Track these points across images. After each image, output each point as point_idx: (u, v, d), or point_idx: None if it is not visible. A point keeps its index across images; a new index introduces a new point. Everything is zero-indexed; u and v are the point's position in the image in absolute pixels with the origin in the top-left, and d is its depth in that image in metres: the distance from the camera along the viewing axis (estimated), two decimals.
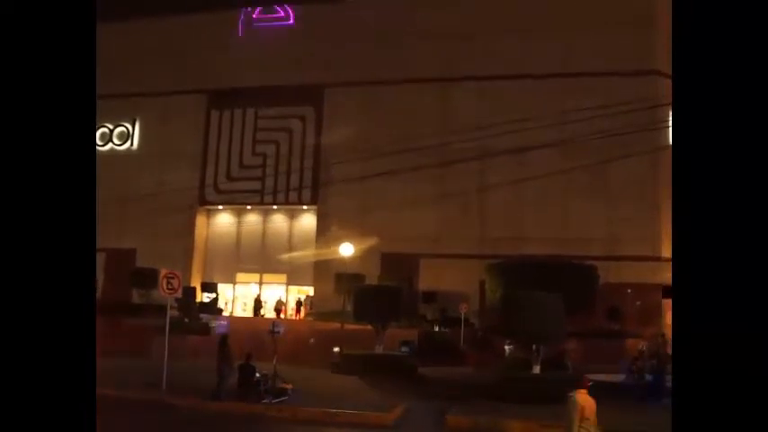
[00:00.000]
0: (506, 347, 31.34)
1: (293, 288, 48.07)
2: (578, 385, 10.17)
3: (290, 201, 47.31)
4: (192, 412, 17.78)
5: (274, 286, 48.44)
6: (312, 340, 31.35)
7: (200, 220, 48.90)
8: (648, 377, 22.30)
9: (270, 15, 48.19)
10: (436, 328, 37.51)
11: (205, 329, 34.26)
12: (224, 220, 49.80)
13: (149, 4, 47.29)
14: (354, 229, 41.48)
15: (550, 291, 21.19)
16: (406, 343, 31.46)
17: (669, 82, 33.60)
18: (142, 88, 47.31)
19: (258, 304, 44.86)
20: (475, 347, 33.04)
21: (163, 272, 20.96)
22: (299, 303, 45.52)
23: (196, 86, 47.93)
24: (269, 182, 46.79)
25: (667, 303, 34.31)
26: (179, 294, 22.61)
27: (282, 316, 43.28)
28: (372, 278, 37.89)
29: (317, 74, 45.36)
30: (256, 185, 47.22)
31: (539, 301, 20.90)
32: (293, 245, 48.27)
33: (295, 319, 43.02)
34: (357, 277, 35.22)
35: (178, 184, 44.55)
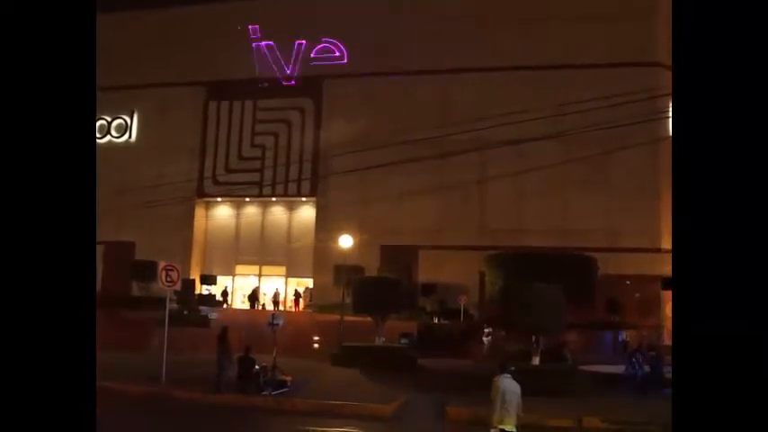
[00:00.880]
0: (484, 339, 31.45)
1: (292, 280, 48.09)
2: (503, 370, 10.64)
3: (289, 193, 47.29)
4: (191, 404, 17.79)
5: (274, 278, 48.45)
6: (316, 338, 31.31)
7: (199, 213, 48.87)
8: (647, 368, 22.36)
9: (325, 55, 47.13)
10: (436, 320, 37.55)
11: (204, 322, 34.31)
12: (223, 212, 49.76)
13: None
14: (353, 221, 41.48)
15: (550, 282, 21.18)
16: (405, 335, 31.50)
17: (669, 73, 33.71)
18: (140, 80, 47.16)
19: (254, 297, 44.85)
20: (473, 339, 33.11)
21: (162, 264, 20.93)
22: (297, 295, 45.52)
23: (194, 78, 47.78)
24: (268, 174, 46.73)
25: (666, 295, 34.37)
26: (178, 287, 22.57)
27: (281, 308, 43.30)
28: (372, 270, 37.88)
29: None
30: (255, 177, 47.18)
31: (538, 293, 20.89)
32: (292, 237, 48.31)
33: (294, 311, 43.01)
34: (356, 269, 35.19)
35: (177, 176, 44.46)
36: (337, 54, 46.17)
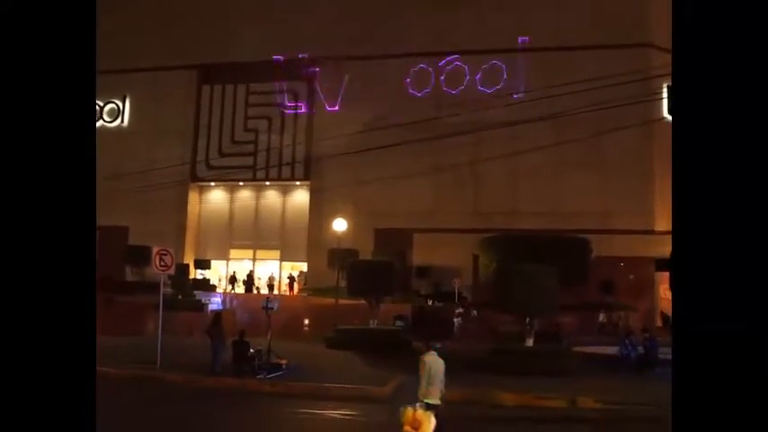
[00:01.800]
0: (455, 320, 31.56)
1: (287, 264, 48.12)
2: (428, 348, 11.13)
3: (283, 176, 47.26)
4: (187, 388, 17.81)
5: (268, 262, 48.46)
6: (306, 321, 31.43)
7: (193, 197, 48.78)
8: (640, 349, 22.47)
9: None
10: (430, 303, 37.66)
11: (198, 306, 34.35)
12: (216, 196, 49.69)
13: None
14: (348, 205, 41.49)
15: (544, 264, 21.21)
16: (399, 317, 31.60)
17: (662, 54, 33.71)
18: (132, 64, 46.81)
19: (250, 281, 44.86)
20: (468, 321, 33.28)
21: (155, 249, 20.86)
22: (291, 279, 45.51)
23: (187, 62, 47.50)
24: (261, 157, 46.60)
25: (660, 276, 34.52)
26: (172, 271, 22.54)
27: (276, 292, 43.34)
28: (366, 253, 37.91)
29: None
30: (248, 161, 47.06)
31: (532, 275, 20.93)
32: (286, 221, 48.30)
33: (289, 295, 43.05)
34: (350, 252, 35.23)
35: (170, 160, 44.33)
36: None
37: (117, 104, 49.58)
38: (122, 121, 49.66)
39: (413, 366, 21.58)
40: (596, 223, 37.76)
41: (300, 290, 44.09)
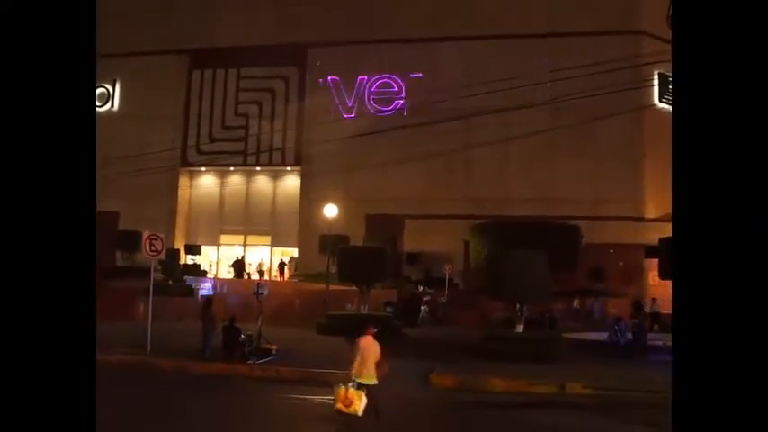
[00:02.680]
0: (422, 308, 31.60)
1: (277, 249, 48.07)
2: (364, 332, 11.64)
3: (274, 162, 47.15)
4: (177, 374, 17.82)
5: (259, 248, 48.41)
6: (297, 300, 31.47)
7: (183, 182, 48.62)
8: (629, 336, 22.61)
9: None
10: (420, 289, 37.72)
11: (189, 291, 34.30)
12: (207, 181, 49.55)
13: None
14: (338, 190, 41.39)
15: (534, 251, 21.26)
16: (389, 303, 31.66)
17: (653, 41, 33.70)
18: (122, 48, 46.34)
19: (241, 266, 44.74)
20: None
21: (146, 234, 20.77)
22: (281, 265, 45.43)
23: (177, 46, 47.19)
24: (252, 143, 46.45)
25: (649, 263, 34.66)
26: (162, 257, 22.49)
27: (266, 278, 43.30)
28: (357, 239, 37.91)
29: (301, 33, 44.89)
30: (239, 147, 46.89)
31: (522, 261, 20.97)
32: (277, 206, 48.22)
33: (279, 281, 43.02)
34: (341, 238, 35.21)
35: (160, 145, 44.12)
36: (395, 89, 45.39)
37: (107, 89, 49.22)
38: (112, 106, 49.34)
39: (403, 352, 21.73)
40: (587, 210, 37.85)
41: (291, 275, 44.05)
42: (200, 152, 47.77)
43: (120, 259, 40.65)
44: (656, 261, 27.48)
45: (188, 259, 44.72)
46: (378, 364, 11.37)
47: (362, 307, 28.08)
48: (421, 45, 43.45)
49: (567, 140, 39.46)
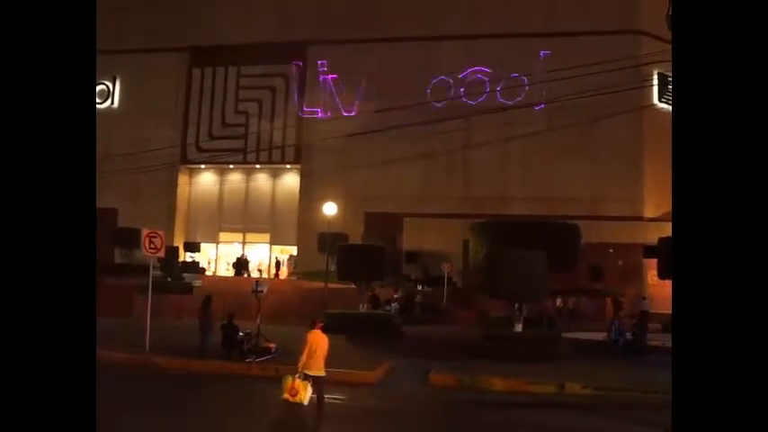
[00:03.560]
0: (391, 306, 31.50)
1: (276, 247, 48.08)
2: (312, 325, 12.09)
3: (273, 160, 47.14)
4: (175, 371, 17.81)
5: (258, 245, 48.41)
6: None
7: (183, 180, 48.64)
8: (628, 335, 22.60)
9: None
10: (419, 288, 37.71)
11: (188, 289, 34.27)
12: (206, 179, 49.55)
13: None
14: (338, 188, 41.40)
15: (533, 250, 21.23)
16: (389, 302, 31.63)
17: (653, 41, 33.70)
18: (122, 45, 46.33)
19: (241, 265, 44.72)
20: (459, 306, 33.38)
21: (145, 231, 20.72)
22: (278, 264, 45.29)
23: (177, 44, 47.16)
24: (251, 141, 46.45)
25: (648, 263, 34.67)
26: (161, 254, 22.43)
27: (265, 276, 43.29)
28: (356, 237, 37.91)
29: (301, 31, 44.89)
30: (239, 144, 46.88)
31: (521, 260, 20.95)
32: (276, 204, 48.22)
33: (277, 279, 43.01)
34: (340, 236, 35.19)
35: (159, 142, 44.10)
36: None
37: (107, 85, 49.21)
38: (112, 103, 49.32)
39: (402, 350, 21.72)
40: (586, 209, 37.92)
41: (290, 273, 44.04)
42: (199, 150, 47.77)
43: (118, 256, 40.61)
44: (655, 261, 27.50)
45: (187, 257, 44.70)
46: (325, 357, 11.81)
47: (362, 306, 28.07)
48: (420, 43, 43.41)
49: (566, 140, 39.46)
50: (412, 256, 40.61)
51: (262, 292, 20.31)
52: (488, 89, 39.97)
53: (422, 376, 17.42)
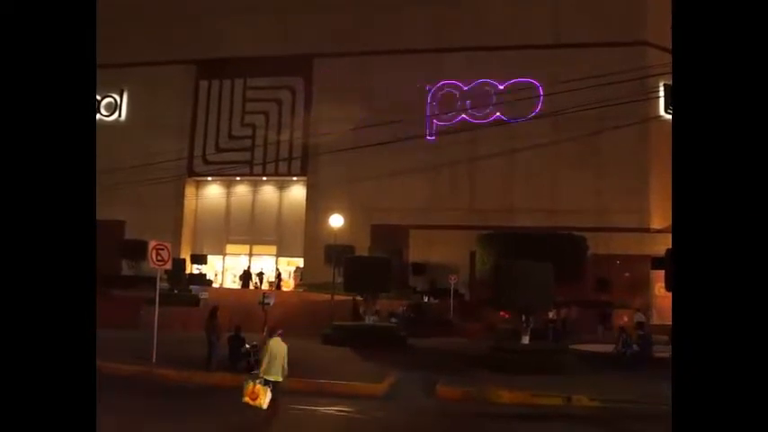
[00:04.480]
0: (367, 318, 31.21)
1: (283, 259, 48.11)
2: (272, 334, 13.03)
3: (280, 172, 47.22)
4: (182, 383, 17.81)
5: (264, 258, 48.44)
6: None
7: (189, 192, 48.75)
8: (635, 347, 22.51)
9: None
10: (426, 300, 37.66)
11: (194, 301, 34.31)
12: (213, 191, 49.67)
13: None
14: (344, 201, 41.46)
15: (540, 262, 21.20)
16: (394, 314, 31.60)
17: (659, 52, 33.72)
18: (130, 58, 46.65)
19: (247, 277, 44.73)
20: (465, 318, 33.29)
21: (152, 243, 20.78)
22: (278, 277, 45.06)
23: (185, 56, 47.40)
24: (258, 153, 46.57)
25: (656, 274, 34.55)
26: (168, 266, 22.48)
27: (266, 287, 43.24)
28: (362, 249, 37.92)
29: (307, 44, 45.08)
30: (245, 156, 47.01)
31: (528, 271, 20.91)
32: (283, 216, 48.27)
33: (284, 291, 42.98)
34: (347, 248, 35.21)
35: (166, 155, 44.15)
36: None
37: (114, 98, 49.46)
38: (120, 116, 49.55)
39: (408, 363, 21.69)
40: (592, 221, 37.84)
41: (297, 286, 44.04)
42: (206, 162, 47.90)
43: (126, 268, 40.72)
44: (662, 272, 27.43)
45: (194, 269, 44.77)
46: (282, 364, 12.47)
47: (368, 317, 28.06)
48: (426, 55, 43.53)
49: (572, 152, 39.45)
50: (418, 268, 40.58)
51: (268, 304, 20.33)
52: (494, 101, 39.97)
53: (429, 388, 17.38)
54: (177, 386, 17.50)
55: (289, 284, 45.62)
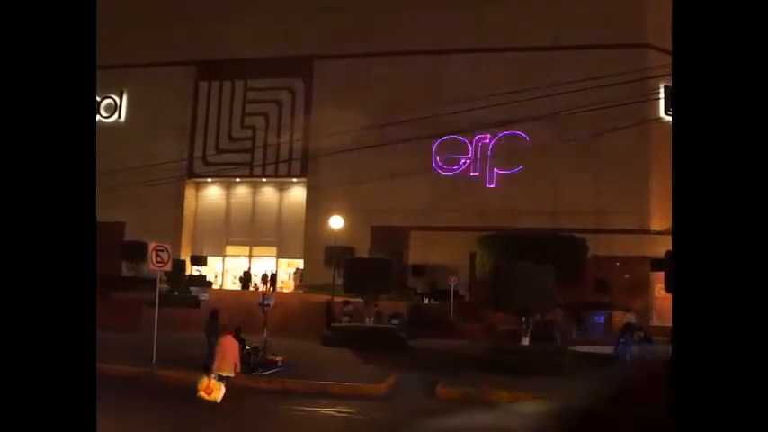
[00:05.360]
0: (343, 318, 31.08)
1: (283, 261, 48.10)
2: (226, 333, 13.50)
3: (280, 173, 47.25)
4: (182, 385, 17.79)
5: (264, 259, 48.43)
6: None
7: (189, 193, 48.75)
8: (635, 348, 22.53)
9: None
10: (426, 301, 37.65)
11: (194, 302, 34.29)
12: (213, 192, 49.66)
13: None
14: (344, 202, 41.47)
15: (540, 263, 21.20)
16: (395, 315, 31.58)
17: (659, 54, 33.72)
18: (129, 59, 46.63)
19: (247, 278, 44.72)
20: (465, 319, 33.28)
21: (152, 245, 20.77)
22: (273, 276, 44.92)
23: (184, 58, 47.41)
24: (258, 154, 46.58)
25: (655, 276, 34.55)
26: (168, 267, 22.48)
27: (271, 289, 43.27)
28: (362, 251, 37.91)
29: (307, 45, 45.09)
30: (245, 158, 47.03)
31: (528, 273, 20.91)
32: (283, 217, 48.27)
33: (283, 292, 42.98)
34: (347, 250, 35.22)
35: (166, 156, 44.13)
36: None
37: (114, 99, 49.45)
38: (119, 117, 49.55)
39: (409, 364, 21.69)
40: (593, 222, 37.85)
41: (297, 287, 44.03)
42: (206, 163, 47.91)
43: (126, 270, 40.71)
44: (662, 274, 27.42)
45: (194, 270, 44.76)
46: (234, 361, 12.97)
47: (368, 319, 28.05)
48: (426, 57, 43.56)
49: (573, 153, 39.46)
50: (418, 270, 40.57)
51: (268, 305, 20.32)
52: (495, 102, 39.96)
53: (428, 389, 17.38)
54: (177, 387, 17.49)
55: (289, 286, 45.62)
